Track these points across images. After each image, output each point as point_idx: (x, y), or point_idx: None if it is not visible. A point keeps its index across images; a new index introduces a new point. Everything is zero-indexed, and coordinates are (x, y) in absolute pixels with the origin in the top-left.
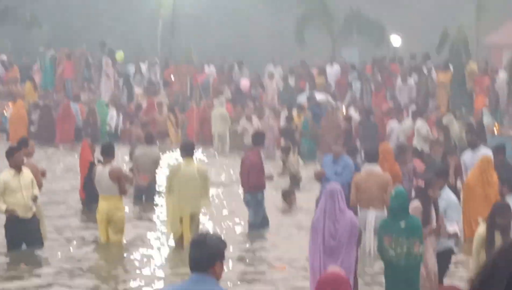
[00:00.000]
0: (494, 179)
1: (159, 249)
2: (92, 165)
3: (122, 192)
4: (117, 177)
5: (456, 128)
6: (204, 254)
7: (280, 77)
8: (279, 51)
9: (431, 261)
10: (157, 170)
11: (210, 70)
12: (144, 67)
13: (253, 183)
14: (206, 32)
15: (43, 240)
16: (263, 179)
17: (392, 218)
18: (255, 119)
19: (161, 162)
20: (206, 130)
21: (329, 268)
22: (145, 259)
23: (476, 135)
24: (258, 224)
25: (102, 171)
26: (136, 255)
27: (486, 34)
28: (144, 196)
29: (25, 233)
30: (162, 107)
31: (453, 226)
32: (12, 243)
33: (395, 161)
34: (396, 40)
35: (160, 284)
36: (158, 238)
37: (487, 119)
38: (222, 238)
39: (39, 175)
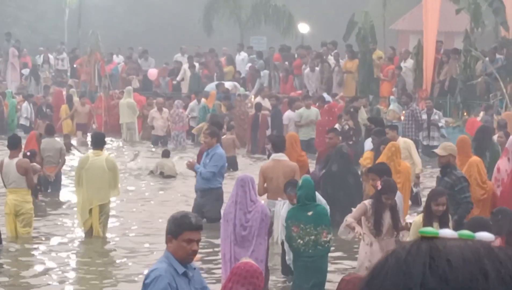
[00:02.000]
0: (402, 167)
1: (68, 239)
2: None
3: (30, 185)
4: (25, 170)
5: (364, 115)
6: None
7: (188, 66)
8: (187, 40)
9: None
10: (62, 161)
11: (118, 59)
12: (51, 57)
13: None
14: (114, 21)
15: None
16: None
17: (300, 207)
18: (164, 109)
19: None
20: (114, 120)
21: (241, 259)
22: (55, 250)
23: (380, 124)
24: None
25: (9, 164)
26: (45, 247)
27: (393, 21)
28: (50, 187)
29: None
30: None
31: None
32: None
33: (302, 150)
34: (304, 28)
35: (70, 274)
36: (67, 229)
37: (394, 106)
38: (187, 217)
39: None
